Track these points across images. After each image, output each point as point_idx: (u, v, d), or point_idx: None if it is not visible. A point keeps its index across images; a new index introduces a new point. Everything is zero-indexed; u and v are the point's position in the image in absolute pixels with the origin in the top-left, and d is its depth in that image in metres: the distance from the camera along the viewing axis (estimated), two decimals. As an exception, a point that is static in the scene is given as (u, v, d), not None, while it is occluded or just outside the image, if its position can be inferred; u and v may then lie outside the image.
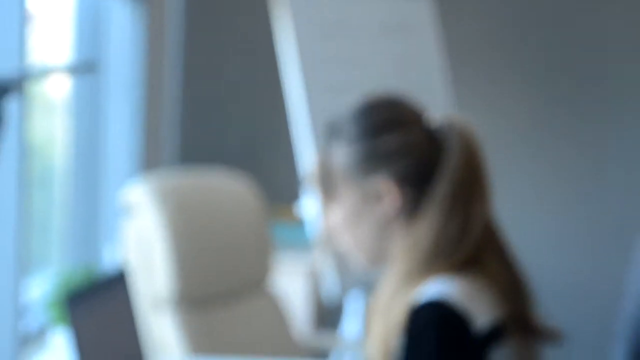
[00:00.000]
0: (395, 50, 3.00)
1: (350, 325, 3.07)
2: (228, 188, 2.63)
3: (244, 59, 3.96)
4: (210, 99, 3.95)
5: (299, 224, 3.60)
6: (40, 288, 2.58)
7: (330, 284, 2.75)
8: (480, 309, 1.30)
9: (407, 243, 1.36)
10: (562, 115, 3.96)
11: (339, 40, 2.86)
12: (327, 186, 1.42)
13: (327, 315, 3.68)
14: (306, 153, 2.77)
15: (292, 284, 3.22)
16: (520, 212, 3.90)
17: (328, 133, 1.43)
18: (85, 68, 2.38)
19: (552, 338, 1.40)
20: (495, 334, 1.31)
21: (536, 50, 3.96)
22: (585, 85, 3.95)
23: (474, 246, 1.35)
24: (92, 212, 3.05)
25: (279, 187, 3.57)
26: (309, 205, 2.82)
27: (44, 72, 1.99)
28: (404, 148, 1.37)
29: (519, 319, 1.35)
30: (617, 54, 3.94)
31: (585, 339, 3.76)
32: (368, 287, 1.31)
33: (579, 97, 3.96)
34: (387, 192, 1.38)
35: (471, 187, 1.36)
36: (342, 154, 1.40)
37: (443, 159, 1.36)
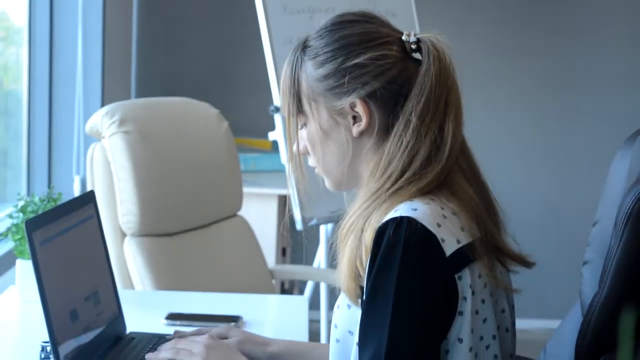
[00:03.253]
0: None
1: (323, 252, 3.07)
2: (195, 115, 2.58)
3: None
4: (170, 29, 3.88)
5: (267, 152, 3.59)
6: (3, 219, 2.54)
7: (301, 209, 2.73)
8: (449, 231, 1.27)
9: (377, 162, 1.33)
10: (528, 37, 3.95)
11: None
12: (296, 104, 1.38)
13: (298, 243, 3.68)
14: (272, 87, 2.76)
15: (262, 211, 3.21)
16: (487, 137, 3.92)
17: (299, 49, 1.38)
18: None
19: (522, 263, 1.39)
20: (464, 258, 1.28)
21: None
22: (549, 10, 3.93)
23: (445, 167, 1.32)
24: (55, 140, 3.00)
25: (243, 121, 3.53)
26: (280, 131, 2.79)
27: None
28: (376, 67, 1.33)
29: (489, 243, 1.33)
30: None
31: (554, 262, 3.81)
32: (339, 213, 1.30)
33: (544, 21, 3.95)
34: (357, 111, 1.34)
35: (444, 105, 1.33)
36: (313, 72, 1.36)
37: (416, 78, 1.32)
